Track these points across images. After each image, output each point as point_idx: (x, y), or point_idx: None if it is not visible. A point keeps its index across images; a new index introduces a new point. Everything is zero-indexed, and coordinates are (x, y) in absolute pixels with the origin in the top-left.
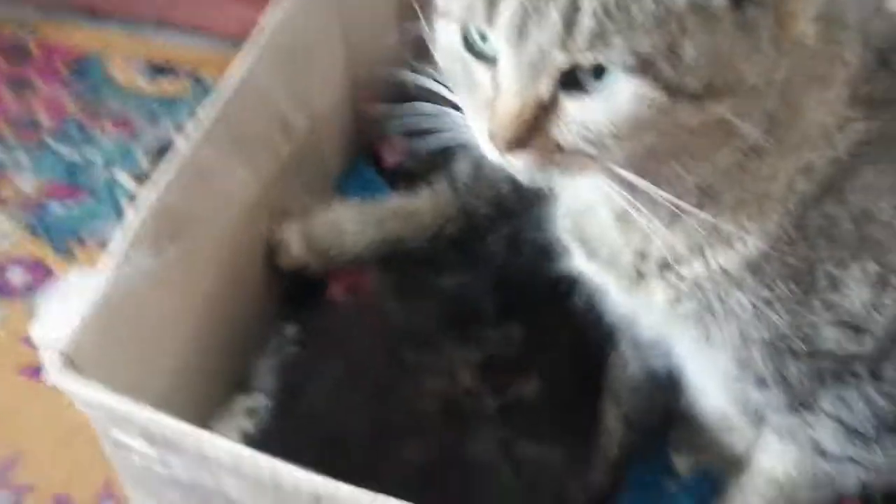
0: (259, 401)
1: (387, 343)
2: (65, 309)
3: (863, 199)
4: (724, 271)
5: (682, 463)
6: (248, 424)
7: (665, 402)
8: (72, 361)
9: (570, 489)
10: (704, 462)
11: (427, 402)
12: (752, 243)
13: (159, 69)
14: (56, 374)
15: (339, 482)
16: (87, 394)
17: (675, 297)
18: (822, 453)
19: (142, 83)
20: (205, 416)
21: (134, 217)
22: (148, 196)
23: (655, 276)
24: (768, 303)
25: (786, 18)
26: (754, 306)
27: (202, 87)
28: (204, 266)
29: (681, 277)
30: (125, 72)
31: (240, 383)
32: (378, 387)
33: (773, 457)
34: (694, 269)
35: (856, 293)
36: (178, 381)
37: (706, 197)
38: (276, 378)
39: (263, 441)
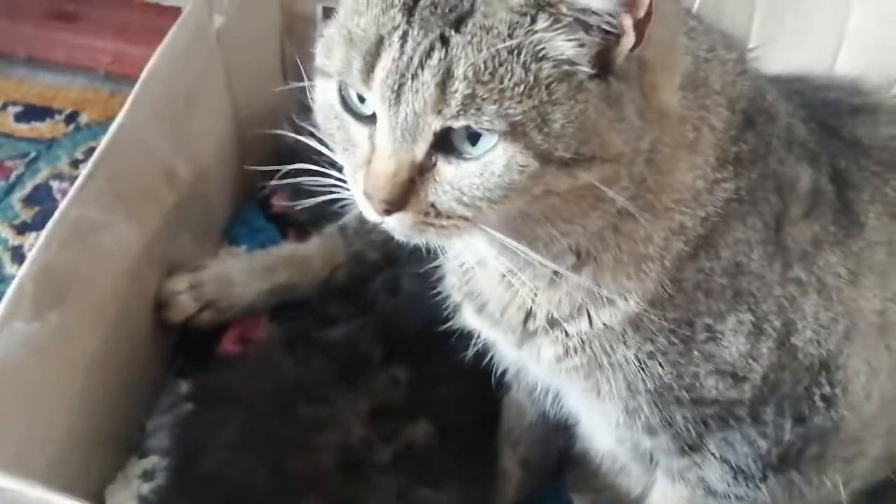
0: (155, 462)
1: (281, 399)
2: None
3: (734, 254)
4: (607, 328)
5: (580, 501)
6: (145, 488)
7: (561, 445)
8: None
9: None
10: (602, 500)
11: (324, 456)
12: (632, 301)
13: (34, 111)
14: None
15: None
16: None
17: (563, 353)
18: (711, 492)
19: (15, 125)
20: (101, 480)
21: (13, 285)
22: (29, 260)
23: (542, 332)
24: (651, 355)
25: (649, 91)
26: (638, 359)
27: (80, 128)
28: (89, 328)
29: (567, 334)
30: None
31: (135, 445)
32: (275, 444)
33: (665, 496)
34: (579, 326)
35: (733, 343)
36: (69, 448)
37: (583, 259)
38: (171, 437)
39: (161, 501)
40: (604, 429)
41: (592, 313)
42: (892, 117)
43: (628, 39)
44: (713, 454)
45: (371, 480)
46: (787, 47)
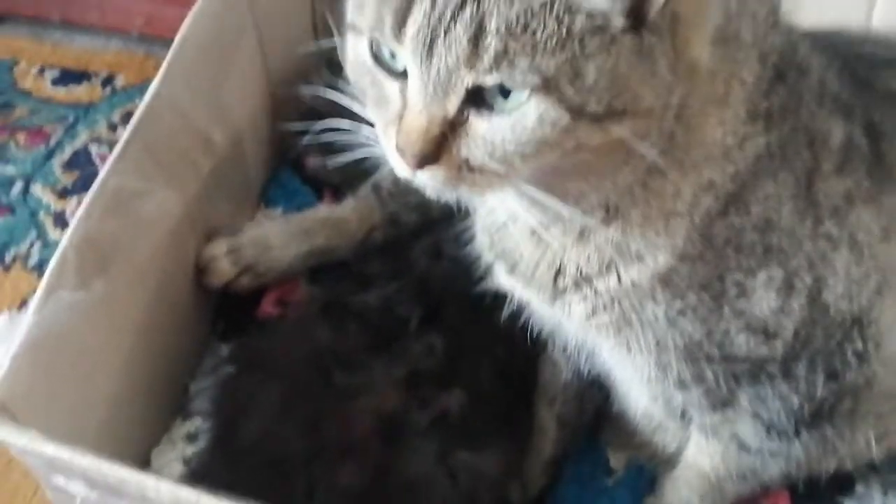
0: (198, 425)
1: (318, 366)
2: None
3: (765, 210)
4: (636, 285)
5: (617, 459)
6: (189, 450)
7: (596, 402)
8: (4, 408)
9: (510, 490)
10: (639, 458)
11: (360, 423)
12: (661, 258)
13: (71, 75)
14: None
15: None
16: (23, 442)
17: (592, 310)
18: (745, 447)
19: (53, 90)
20: (148, 443)
21: (56, 255)
22: (70, 230)
23: (572, 290)
24: (681, 312)
25: (681, 45)
26: (668, 316)
27: (117, 91)
28: (132, 295)
29: (596, 291)
30: (35, 79)
31: (179, 407)
32: (312, 410)
33: (700, 452)
34: (608, 283)
35: (764, 299)
36: (116, 413)
37: (612, 214)
38: (213, 401)
39: (203, 467)
40: (637, 385)
41: (621, 270)
42: None
43: None
44: (745, 409)
45: (410, 445)
46: (821, 2)
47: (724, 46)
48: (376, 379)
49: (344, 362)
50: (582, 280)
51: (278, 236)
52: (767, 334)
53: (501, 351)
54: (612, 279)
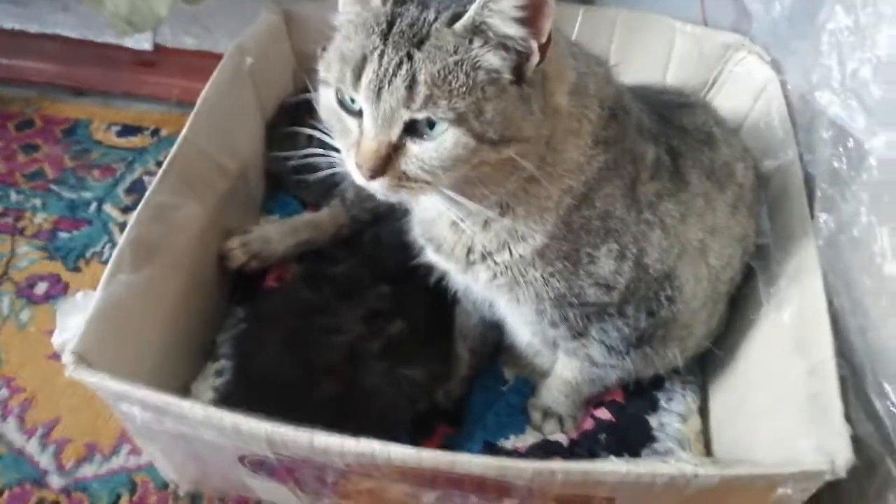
0: (223, 364)
1: (304, 315)
2: (75, 321)
3: (604, 204)
4: (522, 257)
5: (510, 374)
6: (217, 382)
7: (495, 337)
8: (83, 358)
9: (437, 395)
10: (524, 373)
11: (335, 351)
12: (538, 238)
13: (129, 129)
14: (72, 370)
15: (280, 424)
16: (97, 382)
17: (493, 276)
18: (594, 363)
19: (117, 140)
20: (187, 377)
21: (116, 250)
22: (126, 232)
23: (479, 262)
24: (552, 275)
25: (548, 94)
26: (543, 277)
27: (162, 140)
28: (172, 277)
29: (496, 262)
30: (104, 133)
31: (209, 352)
32: (302, 347)
33: (564, 367)
34: (503, 256)
35: (605, 265)
36: (163, 359)
37: (505, 209)
38: (233, 347)
39: (227, 393)
40: (523, 326)
41: (512, 247)
42: (703, 110)
43: (535, 57)
44: (594, 338)
45: (367, 365)
46: (635, 67)
47: (577, 96)
48: (345, 319)
49: (322, 310)
50: (486, 255)
51: (276, 234)
52: (608, 287)
53: (429, 297)
54: (506, 254)
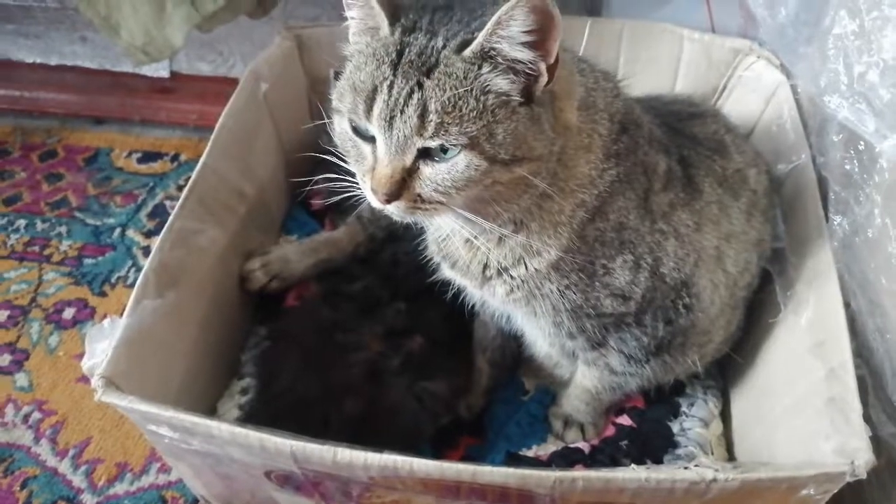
0: (248, 382)
1: (323, 332)
2: (103, 346)
3: (618, 216)
4: (538, 271)
5: (529, 384)
6: (243, 399)
7: (514, 349)
8: (111, 382)
9: (459, 408)
10: (544, 383)
11: (355, 369)
12: (553, 252)
13: (149, 155)
14: (101, 394)
15: (304, 440)
16: (125, 404)
17: (510, 290)
18: (613, 372)
19: (138, 166)
20: (214, 397)
21: (141, 276)
22: (149, 259)
23: (495, 277)
24: (567, 287)
25: (558, 112)
26: (559, 290)
27: (181, 164)
28: (196, 300)
29: (512, 277)
30: (125, 160)
31: (234, 371)
32: (322, 364)
33: (583, 377)
34: (519, 271)
35: (621, 276)
36: (189, 379)
37: (519, 226)
38: (257, 365)
39: (252, 411)
40: (541, 337)
41: (527, 262)
42: (713, 119)
43: (543, 78)
44: (612, 347)
45: (388, 382)
46: (643, 78)
47: (586, 112)
48: (363, 335)
49: (341, 327)
50: (502, 270)
51: (295, 254)
52: (625, 297)
53: (447, 311)
54: (522, 268)
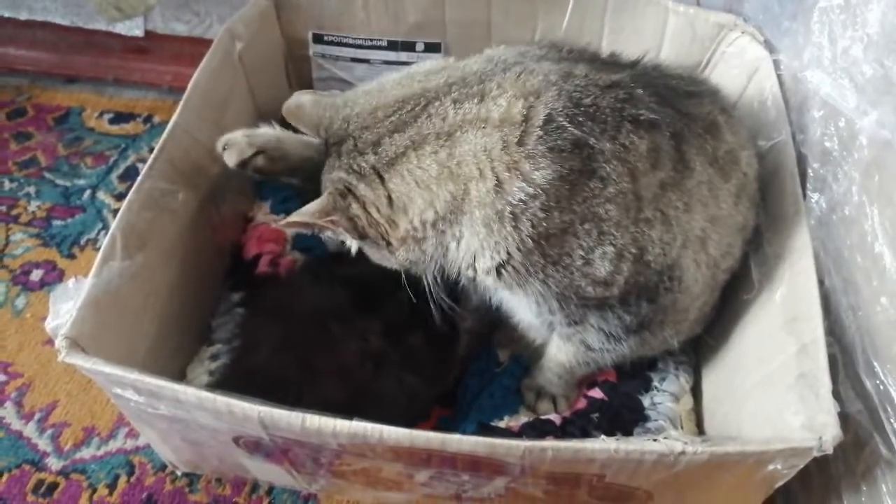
0: (219, 348)
1: (315, 317)
2: (67, 307)
3: (584, 208)
4: (515, 269)
5: (504, 355)
6: (213, 366)
7: (493, 318)
8: (75, 343)
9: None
10: (517, 352)
11: (348, 356)
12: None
13: (122, 116)
14: (65, 355)
15: (272, 405)
16: (89, 366)
17: (494, 280)
18: (590, 348)
19: (110, 127)
20: (183, 361)
21: (108, 236)
22: (117, 219)
23: (481, 275)
24: (549, 277)
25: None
26: (540, 280)
27: (154, 126)
28: (166, 263)
29: (492, 275)
30: (97, 120)
31: (204, 337)
32: (307, 348)
33: (559, 350)
34: (497, 271)
35: (602, 266)
36: (160, 343)
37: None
38: (228, 332)
39: (222, 378)
40: (524, 312)
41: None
42: (710, 99)
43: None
44: (592, 325)
45: (384, 372)
46: (627, 49)
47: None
48: (361, 328)
49: (337, 315)
50: (482, 271)
51: (290, 137)
52: (607, 285)
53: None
54: (496, 271)
